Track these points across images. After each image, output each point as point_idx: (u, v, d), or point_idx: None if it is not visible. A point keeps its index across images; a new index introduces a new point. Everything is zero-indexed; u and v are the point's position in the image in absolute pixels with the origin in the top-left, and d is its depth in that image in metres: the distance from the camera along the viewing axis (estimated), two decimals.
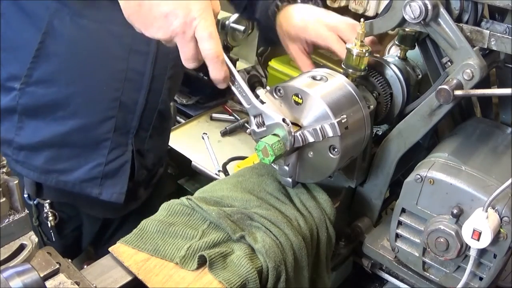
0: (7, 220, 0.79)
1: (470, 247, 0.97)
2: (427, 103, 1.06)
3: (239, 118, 2.06)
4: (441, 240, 1.01)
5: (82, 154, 1.40)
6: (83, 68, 1.30)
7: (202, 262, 0.94)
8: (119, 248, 0.97)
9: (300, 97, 0.98)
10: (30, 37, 1.25)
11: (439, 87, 0.99)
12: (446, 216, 1.01)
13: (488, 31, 1.00)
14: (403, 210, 1.08)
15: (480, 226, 0.93)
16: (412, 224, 1.08)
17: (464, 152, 1.07)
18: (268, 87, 1.03)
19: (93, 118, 1.36)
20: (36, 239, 0.83)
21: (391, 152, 1.14)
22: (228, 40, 2.12)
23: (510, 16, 1.01)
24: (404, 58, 1.22)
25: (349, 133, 0.97)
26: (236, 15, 2.06)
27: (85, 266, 0.95)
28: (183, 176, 2.09)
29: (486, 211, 0.93)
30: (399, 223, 1.10)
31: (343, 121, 0.95)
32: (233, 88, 1.01)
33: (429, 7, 0.97)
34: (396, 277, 1.24)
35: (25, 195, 1.45)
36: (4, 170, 0.79)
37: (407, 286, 1.22)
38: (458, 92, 0.98)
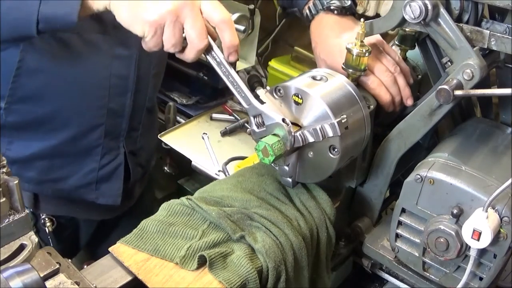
0: (7, 220, 0.79)
1: (470, 247, 0.97)
2: (427, 103, 1.06)
3: (239, 118, 2.05)
4: (441, 240, 1.01)
5: (74, 162, 1.40)
6: (66, 81, 1.29)
7: (202, 262, 0.94)
8: (119, 248, 0.96)
9: (300, 97, 0.98)
10: (8, 56, 1.22)
11: (439, 87, 0.99)
12: (446, 216, 1.01)
13: (488, 31, 1.00)
14: (403, 210, 1.08)
15: (480, 226, 0.93)
16: (412, 224, 1.08)
17: (464, 152, 1.07)
18: (268, 87, 1.03)
19: (82, 127, 1.35)
20: (36, 239, 0.83)
21: (391, 152, 1.14)
22: None
23: (510, 16, 1.01)
24: (404, 58, 1.22)
25: (349, 133, 0.97)
26: (236, 15, 2.06)
27: (85, 266, 0.95)
28: (183, 176, 2.09)
29: (486, 211, 0.93)
30: (399, 223, 1.10)
31: (343, 121, 0.95)
32: (232, 88, 1.01)
33: (429, 7, 0.97)
34: (396, 277, 1.24)
35: None
36: (4, 170, 0.79)
37: (407, 286, 1.22)
38: (458, 92, 0.98)
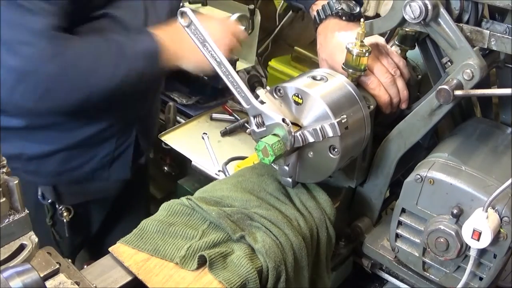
0: (7, 220, 0.79)
1: (470, 247, 0.97)
2: (427, 103, 1.06)
3: (239, 118, 2.06)
4: (441, 240, 1.01)
5: (92, 150, 1.44)
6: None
7: (202, 262, 0.94)
8: (119, 248, 0.96)
9: (300, 97, 0.98)
10: None
11: (439, 87, 0.99)
12: (446, 216, 1.01)
13: (488, 31, 1.00)
14: (403, 210, 1.08)
15: (480, 226, 0.93)
16: (412, 224, 1.08)
17: (464, 152, 1.07)
18: (268, 87, 1.03)
19: (105, 121, 1.40)
20: (36, 239, 0.83)
21: (391, 152, 1.14)
22: None
23: (510, 16, 1.01)
24: (404, 58, 1.22)
25: (349, 133, 0.97)
26: (236, 15, 2.05)
27: (85, 266, 0.95)
28: (183, 176, 2.09)
29: (486, 211, 0.92)
30: (399, 223, 1.10)
31: (343, 121, 0.95)
32: (232, 88, 1.01)
33: (429, 7, 0.97)
34: (396, 277, 1.24)
35: (39, 196, 1.47)
36: (4, 170, 0.78)
37: (407, 286, 1.22)
38: (458, 92, 0.98)
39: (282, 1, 2.43)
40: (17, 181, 0.79)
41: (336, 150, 0.97)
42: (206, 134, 1.96)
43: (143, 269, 0.93)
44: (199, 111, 2.12)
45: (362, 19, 1.08)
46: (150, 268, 0.93)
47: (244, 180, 1.12)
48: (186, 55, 1.26)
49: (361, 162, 1.15)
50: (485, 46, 1.01)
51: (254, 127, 1.01)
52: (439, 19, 0.99)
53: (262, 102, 1.00)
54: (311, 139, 0.97)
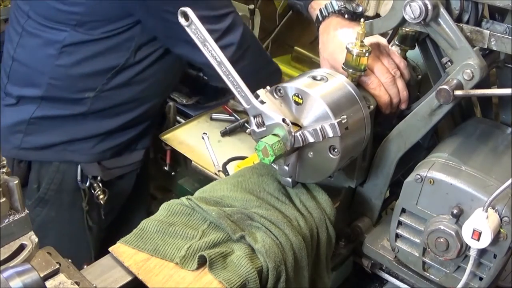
0: (7, 220, 0.79)
1: (470, 247, 0.97)
2: (427, 103, 1.06)
3: (239, 118, 2.06)
4: (441, 240, 1.01)
5: (132, 129, 1.63)
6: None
7: (202, 262, 0.94)
8: (119, 248, 0.96)
9: (300, 97, 0.98)
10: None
11: (439, 87, 0.99)
12: (446, 216, 1.01)
13: (488, 31, 1.00)
14: (403, 210, 1.08)
15: (480, 226, 0.93)
16: (412, 224, 1.08)
17: (464, 152, 1.07)
18: (268, 87, 1.03)
19: (156, 101, 1.66)
20: (36, 239, 0.83)
21: (391, 152, 1.14)
22: None
23: (510, 16, 1.01)
24: (404, 58, 1.22)
25: (349, 133, 0.97)
26: None
27: (85, 266, 0.95)
28: (183, 176, 2.09)
29: (486, 211, 0.92)
30: (399, 223, 1.10)
31: (343, 121, 0.95)
32: (232, 88, 1.01)
33: (429, 7, 0.97)
34: (396, 277, 1.24)
35: (78, 181, 1.60)
36: (4, 170, 0.78)
37: (407, 286, 1.22)
38: (458, 92, 0.98)
39: (282, 1, 2.43)
40: (17, 181, 0.79)
41: (336, 150, 0.97)
42: (206, 134, 1.95)
43: (143, 269, 0.93)
44: (199, 111, 2.12)
45: (362, 19, 1.08)
46: (150, 268, 0.93)
47: (244, 180, 1.12)
48: None
49: (361, 162, 1.15)
50: (485, 46, 1.01)
51: (254, 127, 1.01)
52: (439, 19, 0.99)
53: (262, 102, 1.00)
54: (311, 139, 0.97)
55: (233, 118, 2.08)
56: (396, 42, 1.22)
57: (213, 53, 1.00)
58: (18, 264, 0.78)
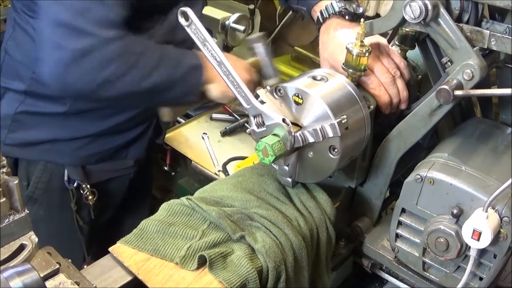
0: (7, 220, 0.79)
1: (470, 247, 0.97)
2: (427, 103, 1.06)
3: (239, 118, 2.06)
4: (441, 240, 1.01)
5: (120, 134, 1.55)
6: None
7: (202, 262, 0.94)
8: (119, 248, 0.96)
9: (300, 97, 0.98)
10: None
11: (439, 87, 0.99)
12: (446, 216, 1.01)
13: (488, 31, 1.00)
14: (403, 210, 1.08)
15: (480, 226, 0.93)
16: (412, 224, 1.08)
17: (464, 152, 1.07)
18: (268, 87, 1.03)
19: (133, 111, 1.51)
20: (36, 239, 0.83)
21: (391, 152, 1.14)
22: (228, 40, 2.12)
23: (510, 16, 1.01)
24: (404, 58, 1.22)
25: (349, 134, 0.97)
26: (236, 15, 2.06)
27: (85, 266, 0.95)
28: (183, 176, 2.09)
29: (486, 211, 0.92)
30: (399, 223, 1.10)
31: (343, 121, 0.95)
32: (232, 88, 1.01)
33: (429, 7, 0.97)
34: (396, 277, 1.24)
35: (65, 181, 1.55)
36: (4, 170, 0.78)
37: (407, 286, 1.22)
38: (458, 92, 0.98)
39: None
40: (17, 181, 0.79)
41: (336, 150, 0.97)
42: (206, 134, 1.96)
43: (143, 269, 0.93)
44: (199, 111, 2.12)
45: (362, 19, 1.08)
46: (150, 268, 0.93)
47: (244, 180, 1.12)
48: (217, 81, 1.31)
49: (361, 162, 1.15)
50: (485, 46, 1.01)
51: (254, 127, 1.01)
52: (439, 19, 0.99)
53: (262, 102, 1.00)
54: (311, 139, 0.97)
55: (233, 118, 2.08)
56: (396, 42, 1.22)
57: (213, 53, 1.00)
58: (18, 264, 0.78)
